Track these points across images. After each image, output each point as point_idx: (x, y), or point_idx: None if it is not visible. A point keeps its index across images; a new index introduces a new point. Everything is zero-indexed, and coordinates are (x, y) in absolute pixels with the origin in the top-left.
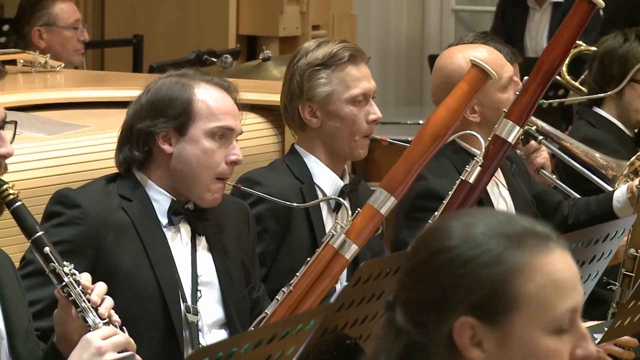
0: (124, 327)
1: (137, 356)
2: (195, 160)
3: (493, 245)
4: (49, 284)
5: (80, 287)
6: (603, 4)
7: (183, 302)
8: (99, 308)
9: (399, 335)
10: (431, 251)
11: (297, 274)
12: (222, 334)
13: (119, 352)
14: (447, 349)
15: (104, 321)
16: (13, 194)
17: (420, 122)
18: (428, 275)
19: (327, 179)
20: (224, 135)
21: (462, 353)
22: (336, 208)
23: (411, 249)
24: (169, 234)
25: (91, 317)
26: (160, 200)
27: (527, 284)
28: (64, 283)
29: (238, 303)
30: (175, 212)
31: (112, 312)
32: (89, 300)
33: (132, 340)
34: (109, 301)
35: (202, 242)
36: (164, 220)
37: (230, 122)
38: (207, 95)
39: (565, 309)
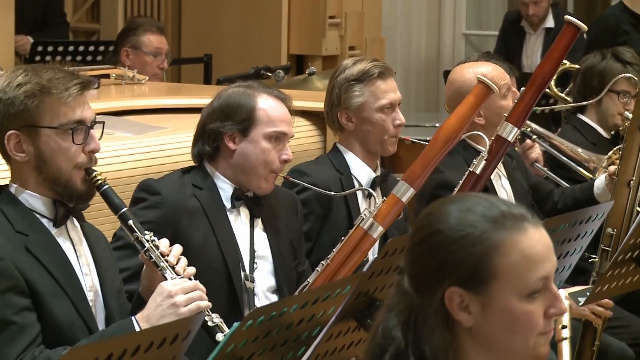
0: (197, 281)
1: (206, 317)
2: (255, 157)
3: (476, 227)
4: (135, 256)
5: (159, 250)
6: (586, 27)
7: (242, 272)
8: (175, 266)
9: (404, 296)
10: (427, 233)
11: (334, 250)
12: (273, 298)
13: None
14: (440, 312)
15: (179, 276)
16: (101, 179)
17: (437, 125)
18: (425, 253)
19: (362, 171)
20: (279, 138)
21: (453, 315)
22: (369, 195)
23: (413, 229)
24: (231, 216)
25: (169, 274)
26: (225, 188)
27: (504, 260)
28: (145, 248)
29: (287, 274)
30: (237, 198)
31: (187, 267)
32: (167, 261)
33: (200, 285)
34: (183, 261)
35: (258, 223)
36: (227, 205)
37: (284, 128)
38: (267, 105)
39: (537, 278)
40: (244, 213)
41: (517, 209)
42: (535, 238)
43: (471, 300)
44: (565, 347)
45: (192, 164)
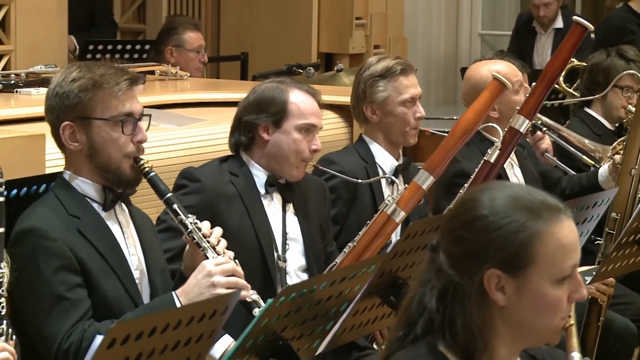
0: (236, 260)
1: (244, 291)
2: (287, 147)
3: (518, 216)
4: (177, 237)
5: (201, 232)
6: (592, 27)
7: (275, 252)
8: (215, 247)
9: (439, 273)
10: (471, 217)
11: (360, 233)
12: (304, 277)
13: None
14: (478, 291)
15: (220, 256)
16: (148, 167)
17: (454, 117)
18: (467, 236)
19: (385, 160)
20: (309, 129)
21: (489, 295)
22: (392, 182)
23: (452, 212)
24: (265, 201)
25: (210, 253)
26: (259, 176)
27: (542, 248)
28: (189, 230)
29: (316, 254)
30: (270, 185)
31: (226, 250)
32: (208, 242)
33: (239, 268)
34: (223, 242)
35: (290, 208)
36: (262, 191)
37: (314, 121)
38: (298, 99)
39: (568, 265)
40: (277, 198)
41: (553, 200)
42: (569, 228)
43: (508, 282)
44: (574, 331)
45: (229, 153)
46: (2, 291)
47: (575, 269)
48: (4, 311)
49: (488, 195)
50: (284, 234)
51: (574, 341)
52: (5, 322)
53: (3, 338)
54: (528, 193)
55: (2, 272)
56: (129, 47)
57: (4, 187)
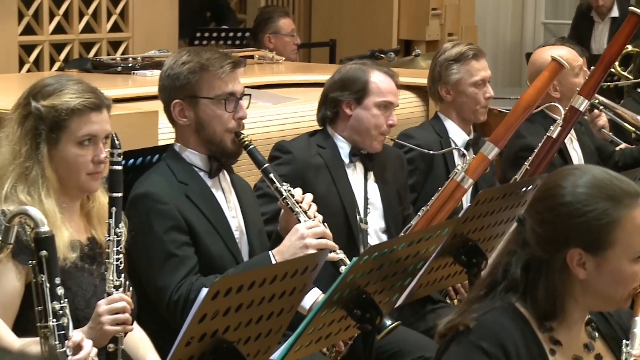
0: (325, 224)
1: (331, 254)
2: (367, 121)
3: (600, 204)
4: (272, 203)
5: (294, 198)
6: None
7: (358, 216)
8: (307, 211)
9: (525, 246)
10: (557, 203)
11: (433, 198)
12: (383, 237)
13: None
14: (561, 266)
15: (311, 219)
16: (247, 140)
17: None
18: (553, 219)
19: (458, 135)
20: (387, 106)
21: (571, 270)
22: (463, 154)
23: (538, 195)
24: (349, 170)
25: (302, 217)
26: (343, 147)
27: (622, 231)
28: (283, 196)
29: (394, 217)
30: (353, 155)
31: (316, 214)
32: (300, 207)
33: (328, 231)
34: (314, 207)
35: (371, 176)
36: (346, 161)
37: (391, 99)
38: (378, 79)
39: None
40: (359, 167)
41: (631, 186)
42: None
43: (589, 259)
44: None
45: (318, 128)
46: (121, 248)
47: None
48: (122, 266)
49: (571, 182)
50: (366, 199)
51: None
52: (123, 275)
53: (121, 289)
54: (608, 179)
55: (120, 232)
56: (231, 34)
57: (122, 157)
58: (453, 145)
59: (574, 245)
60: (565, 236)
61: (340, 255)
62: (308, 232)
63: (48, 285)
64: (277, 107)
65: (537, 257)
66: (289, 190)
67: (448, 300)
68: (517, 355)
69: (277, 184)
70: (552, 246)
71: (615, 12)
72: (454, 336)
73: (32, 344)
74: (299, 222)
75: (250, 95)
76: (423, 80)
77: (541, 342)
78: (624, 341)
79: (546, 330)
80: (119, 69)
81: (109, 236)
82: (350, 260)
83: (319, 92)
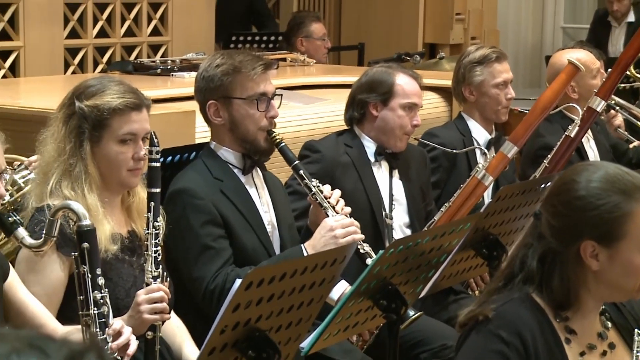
0: (352, 217)
1: (359, 246)
2: (392, 122)
3: (612, 198)
4: (302, 199)
5: (323, 194)
6: None
7: (383, 211)
8: (335, 206)
9: (541, 239)
10: (572, 197)
11: (455, 194)
12: (407, 232)
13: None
14: (575, 257)
15: (339, 214)
16: (279, 138)
17: None
18: (567, 212)
19: (480, 134)
20: (411, 107)
21: (584, 261)
22: (484, 153)
23: (554, 190)
24: (374, 168)
25: (331, 212)
26: (369, 146)
27: (633, 225)
28: (313, 192)
29: (417, 212)
30: (379, 154)
31: (344, 207)
32: (329, 202)
33: (355, 222)
34: (342, 202)
35: (395, 174)
36: (372, 159)
37: (416, 100)
38: (403, 81)
39: None
40: (385, 165)
41: None
42: None
43: (601, 251)
44: None
45: (346, 128)
46: (159, 241)
47: None
48: (160, 258)
49: (585, 177)
50: (391, 195)
51: None
52: (161, 267)
53: (159, 280)
54: (620, 175)
55: (158, 225)
56: (264, 38)
57: (160, 154)
58: (476, 144)
59: (587, 238)
60: (579, 229)
61: (367, 248)
62: (337, 224)
63: (89, 275)
64: (307, 107)
65: (552, 249)
66: (318, 187)
67: (470, 292)
68: (534, 344)
69: (307, 180)
70: (567, 238)
71: (631, 17)
72: (474, 325)
73: (74, 332)
74: (327, 216)
75: (281, 95)
76: (447, 82)
77: (557, 331)
78: (636, 330)
79: (562, 319)
80: (159, 71)
81: (147, 229)
82: (376, 254)
83: (347, 93)
